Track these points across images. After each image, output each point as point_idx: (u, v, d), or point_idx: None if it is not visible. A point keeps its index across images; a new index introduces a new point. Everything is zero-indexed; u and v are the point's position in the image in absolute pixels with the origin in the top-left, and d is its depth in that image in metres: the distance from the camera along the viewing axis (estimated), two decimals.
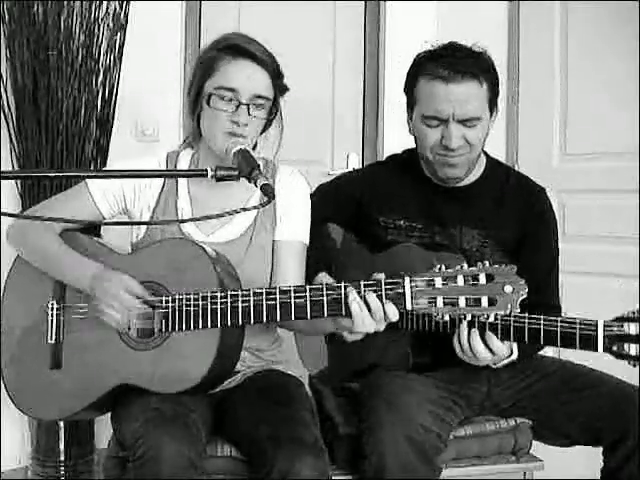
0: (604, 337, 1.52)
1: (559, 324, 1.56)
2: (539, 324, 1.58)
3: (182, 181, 1.77)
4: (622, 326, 1.51)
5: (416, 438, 1.61)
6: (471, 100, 1.74)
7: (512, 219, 1.87)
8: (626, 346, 1.50)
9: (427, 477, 1.62)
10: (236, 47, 1.66)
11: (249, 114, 1.65)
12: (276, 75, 1.70)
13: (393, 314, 1.47)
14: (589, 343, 1.53)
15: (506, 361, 1.70)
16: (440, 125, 1.76)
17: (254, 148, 1.78)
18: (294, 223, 1.77)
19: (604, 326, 1.52)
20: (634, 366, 1.50)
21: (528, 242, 1.86)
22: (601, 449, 1.73)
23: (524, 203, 1.88)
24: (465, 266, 1.42)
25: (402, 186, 1.91)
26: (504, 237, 1.86)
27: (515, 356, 1.71)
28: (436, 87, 1.74)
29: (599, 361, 1.79)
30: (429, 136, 1.79)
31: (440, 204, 1.88)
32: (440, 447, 1.67)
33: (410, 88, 1.83)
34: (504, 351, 1.65)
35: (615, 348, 1.51)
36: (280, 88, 1.73)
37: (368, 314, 1.47)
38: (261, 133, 1.75)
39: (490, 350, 1.63)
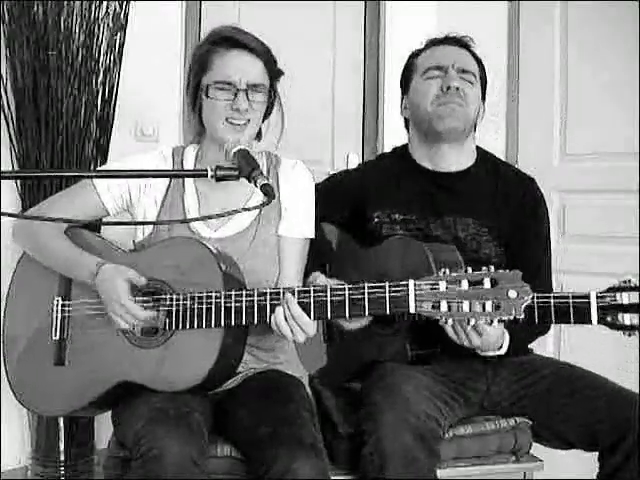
0: (597, 308, 1.50)
1: (552, 299, 1.54)
2: (532, 300, 1.55)
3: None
4: (615, 296, 1.49)
5: (415, 422, 1.61)
6: (468, 58, 1.92)
7: (505, 207, 1.90)
8: (620, 316, 1.48)
9: (426, 462, 1.61)
10: (228, 39, 1.69)
11: (248, 99, 1.67)
12: (269, 61, 1.72)
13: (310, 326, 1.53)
14: (583, 316, 1.51)
15: (491, 353, 1.68)
16: (439, 76, 1.88)
17: (259, 136, 1.79)
18: (298, 218, 1.78)
19: (597, 297, 1.50)
20: (629, 336, 1.48)
21: (520, 232, 1.88)
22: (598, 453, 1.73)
23: (516, 192, 1.92)
24: (470, 270, 1.42)
25: (395, 179, 1.94)
26: (498, 225, 1.88)
27: (504, 351, 1.69)
28: (436, 47, 1.94)
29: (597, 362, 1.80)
30: (430, 87, 1.89)
31: (434, 194, 1.90)
32: (439, 434, 1.66)
33: (408, 70, 1.98)
34: (493, 334, 1.62)
35: (609, 319, 1.49)
36: (275, 73, 1.74)
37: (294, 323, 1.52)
38: (263, 120, 1.77)
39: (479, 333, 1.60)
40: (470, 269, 1.42)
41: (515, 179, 1.96)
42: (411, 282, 1.45)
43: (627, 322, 1.47)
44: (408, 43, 2.97)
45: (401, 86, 2.00)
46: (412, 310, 1.45)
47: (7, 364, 1.75)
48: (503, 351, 1.71)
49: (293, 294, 1.53)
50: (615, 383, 1.78)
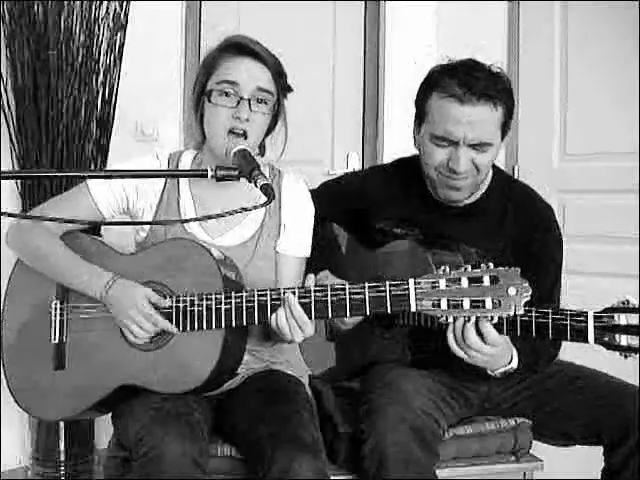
0: (594, 328, 1.52)
1: (550, 316, 1.56)
2: (530, 317, 1.57)
3: (184, 180, 1.77)
4: (612, 317, 1.51)
5: (414, 421, 1.60)
6: (484, 125, 1.68)
7: (513, 238, 1.82)
8: (617, 337, 1.50)
9: (425, 462, 1.60)
10: (237, 45, 1.67)
11: (250, 109, 1.65)
12: (278, 74, 1.70)
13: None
14: (580, 334, 1.53)
15: (504, 369, 1.64)
16: (449, 146, 1.71)
17: (262, 150, 1.76)
18: (298, 237, 1.78)
19: (594, 317, 1.52)
20: (625, 357, 1.50)
21: (531, 261, 1.77)
22: (602, 449, 1.72)
23: (527, 221, 1.83)
24: (469, 268, 1.43)
25: (403, 196, 1.88)
26: (504, 256, 1.78)
27: (515, 364, 1.66)
28: (449, 106, 1.68)
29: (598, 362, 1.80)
30: (436, 155, 1.73)
31: (440, 221, 1.83)
32: (438, 433, 1.66)
33: (421, 101, 1.76)
34: (500, 342, 1.56)
35: (606, 339, 1.51)
36: (283, 87, 1.72)
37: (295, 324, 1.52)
38: (267, 135, 1.75)
39: (484, 341, 1.54)
40: (470, 267, 1.43)
41: (528, 206, 1.85)
42: (411, 280, 1.46)
43: (624, 343, 1.50)
44: (408, 44, 2.98)
45: (416, 106, 1.79)
46: (413, 308, 1.45)
47: (7, 370, 1.73)
48: (514, 365, 1.65)
49: (294, 294, 1.53)
50: (618, 379, 1.78)
